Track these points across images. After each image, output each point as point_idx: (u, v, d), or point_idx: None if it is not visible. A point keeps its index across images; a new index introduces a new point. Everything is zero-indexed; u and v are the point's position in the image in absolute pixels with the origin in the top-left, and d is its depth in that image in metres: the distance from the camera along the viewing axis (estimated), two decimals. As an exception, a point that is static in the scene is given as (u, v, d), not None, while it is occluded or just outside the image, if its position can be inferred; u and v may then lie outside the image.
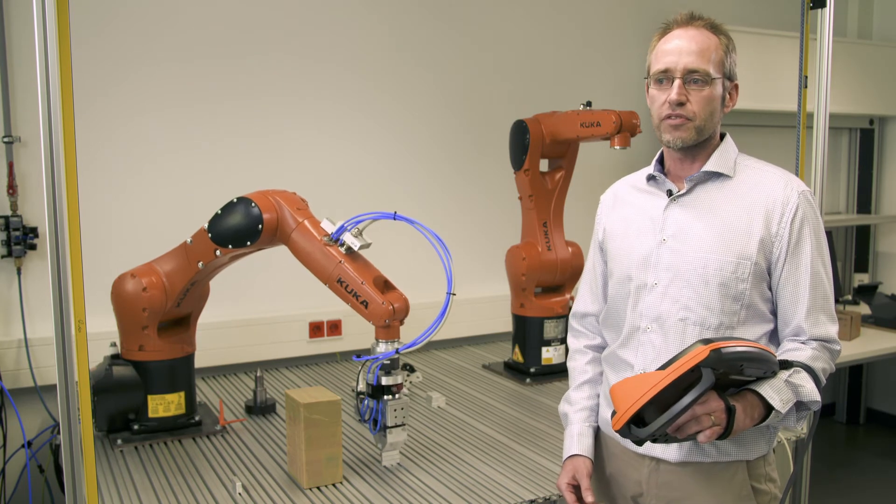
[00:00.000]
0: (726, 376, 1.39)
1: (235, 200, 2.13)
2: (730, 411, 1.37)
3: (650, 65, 1.60)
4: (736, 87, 1.61)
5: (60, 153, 1.60)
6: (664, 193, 1.63)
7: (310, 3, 3.15)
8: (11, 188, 2.69)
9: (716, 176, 1.59)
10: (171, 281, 2.29)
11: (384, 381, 2.04)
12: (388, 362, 2.04)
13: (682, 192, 1.61)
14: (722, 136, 1.63)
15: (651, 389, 1.33)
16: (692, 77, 1.53)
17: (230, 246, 2.14)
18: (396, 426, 2.07)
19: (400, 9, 3.35)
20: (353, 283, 2.01)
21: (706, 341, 1.34)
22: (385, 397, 2.04)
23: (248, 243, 2.11)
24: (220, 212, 2.15)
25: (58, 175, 1.61)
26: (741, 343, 1.36)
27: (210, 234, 2.15)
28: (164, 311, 2.31)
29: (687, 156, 1.60)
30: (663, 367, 1.34)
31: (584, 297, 1.83)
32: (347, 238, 2.03)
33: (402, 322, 2.05)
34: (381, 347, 2.02)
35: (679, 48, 1.54)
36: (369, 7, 3.28)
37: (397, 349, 2.01)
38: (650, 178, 1.67)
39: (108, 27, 2.82)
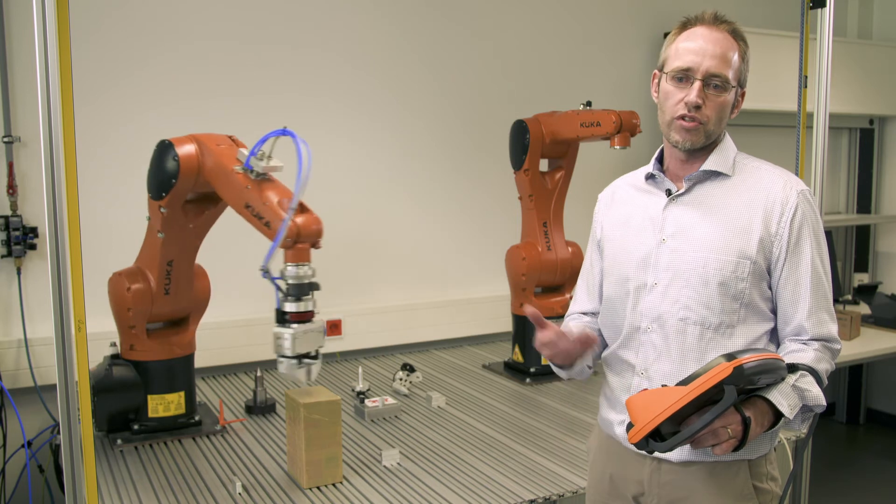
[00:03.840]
0: (742, 388, 1.39)
1: (156, 147, 2.16)
2: (746, 424, 1.37)
3: (667, 59, 1.58)
4: (743, 94, 1.61)
5: (60, 153, 1.60)
6: (663, 192, 1.63)
7: (310, 2, 3.15)
8: (11, 188, 2.69)
9: (714, 175, 1.59)
10: (149, 267, 2.29)
11: (287, 307, 1.87)
12: (296, 286, 1.86)
13: (681, 191, 1.60)
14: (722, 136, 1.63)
15: (673, 405, 1.32)
16: (713, 81, 1.52)
17: (163, 194, 2.13)
18: (310, 356, 1.87)
19: (400, 8, 3.35)
20: (257, 204, 1.91)
21: (729, 357, 1.33)
22: (294, 326, 1.86)
23: (173, 181, 2.10)
24: (149, 167, 2.19)
25: (58, 175, 1.61)
26: (759, 356, 1.35)
27: (149, 194, 2.17)
28: (151, 307, 2.30)
29: (689, 156, 1.60)
30: (684, 382, 1.34)
31: (581, 297, 1.82)
32: (253, 163, 1.94)
33: (314, 245, 1.90)
34: (290, 271, 1.86)
35: (703, 49, 1.53)
36: (369, 5, 3.28)
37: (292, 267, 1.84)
38: (649, 176, 1.67)
39: (108, 26, 2.82)
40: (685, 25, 1.58)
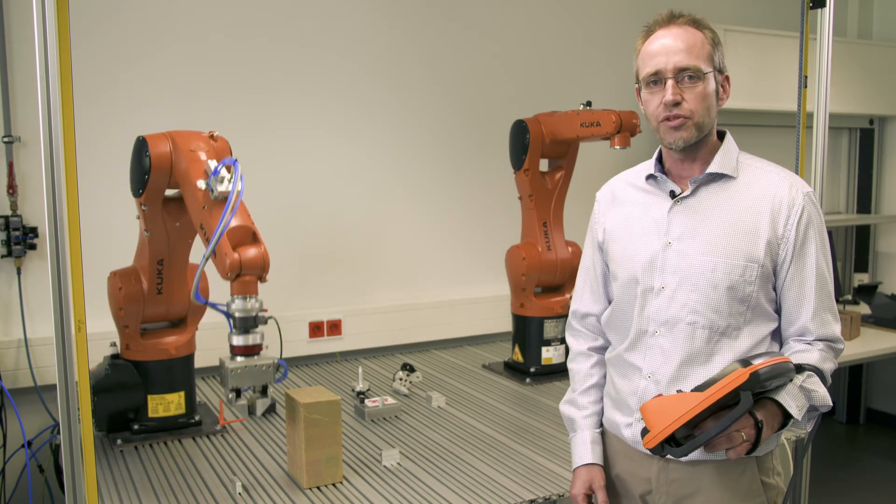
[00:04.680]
0: (754, 392, 1.40)
1: (134, 143, 2.16)
2: (759, 428, 1.38)
3: (638, 69, 1.59)
4: (727, 79, 1.59)
5: (60, 153, 1.60)
6: (666, 194, 1.62)
7: (310, 2, 3.15)
8: (11, 188, 2.70)
9: (719, 177, 1.58)
10: (142, 267, 2.29)
11: (234, 340, 1.84)
12: (241, 319, 1.83)
13: (685, 193, 1.60)
14: (722, 135, 1.63)
15: (691, 411, 1.34)
16: (684, 75, 1.52)
17: (140, 191, 2.13)
18: (258, 396, 1.87)
19: (401, 8, 3.35)
20: (208, 228, 1.87)
21: (744, 363, 1.35)
22: (238, 359, 1.84)
23: (146, 178, 2.08)
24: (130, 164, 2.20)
25: (58, 175, 1.61)
26: (771, 360, 1.37)
27: (131, 191, 2.17)
28: (143, 307, 2.30)
29: (687, 155, 1.59)
30: (701, 388, 1.35)
31: (584, 297, 1.80)
32: (213, 184, 1.88)
33: (261, 279, 1.86)
34: (236, 304, 1.83)
35: (666, 48, 1.53)
36: (369, 5, 3.28)
37: (228, 305, 1.82)
38: (649, 176, 1.66)
39: (108, 25, 2.82)
40: (647, 33, 1.60)
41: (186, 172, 2.00)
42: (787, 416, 1.43)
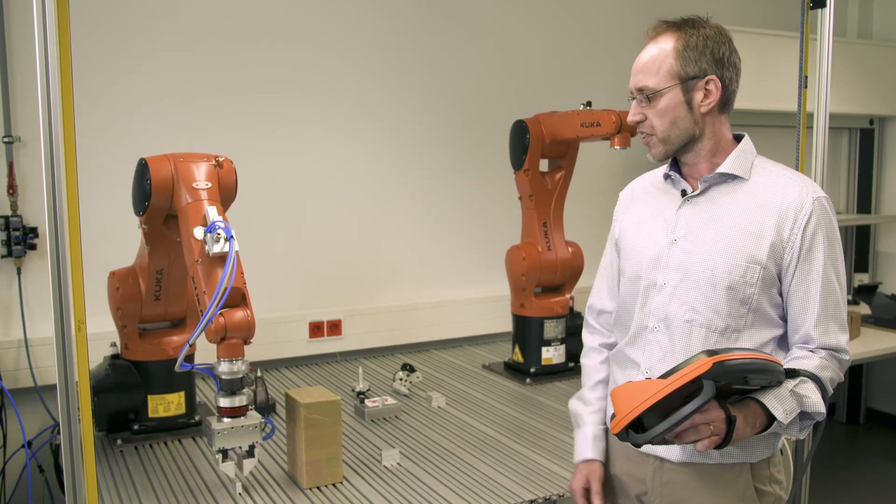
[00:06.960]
0: (729, 386, 1.38)
1: (137, 164, 2.11)
2: (730, 422, 1.37)
3: None
4: (711, 80, 1.54)
5: (60, 153, 1.60)
6: (678, 193, 1.63)
7: (310, 0, 3.15)
8: (11, 188, 2.70)
9: (731, 178, 1.58)
10: (141, 271, 2.29)
11: (221, 402, 1.84)
12: (227, 381, 1.84)
13: (695, 192, 1.60)
14: (739, 138, 1.63)
15: (651, 398, 1.33)
16: (641, 95, 1.57)
17: (141, 213, 2.10)
18: (245, 455, 1.89)
19: (401, 7, 3.35)
20: (199, 287, 1.85)
21: (710, 353, 1.33)
22: (225, 420, 1.85)
23: (147, 204, 2.05)
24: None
25: (58, 175, 1.61)
26: (746, 354, 1.34)
27: (133, 211, 2.15)
28: (140, 309, 2.30)
29: (685, 161, 1.62)
30: (666, 376, 1.34)
31: (602, 294, 1.82)
32: (207, 239, 1.83)
33: (246, 342, 1.85)
34: (222, 367, 1.82)
35: (635, 67, 1.59)
36: (369, 5, 3.28)
37: (213, 365, 1.82)
38: (666, 176, 1.67)
39: (108, 25, 2.82)
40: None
41: (185, 213, 1.96)
42: (771, 419, 1.41)
